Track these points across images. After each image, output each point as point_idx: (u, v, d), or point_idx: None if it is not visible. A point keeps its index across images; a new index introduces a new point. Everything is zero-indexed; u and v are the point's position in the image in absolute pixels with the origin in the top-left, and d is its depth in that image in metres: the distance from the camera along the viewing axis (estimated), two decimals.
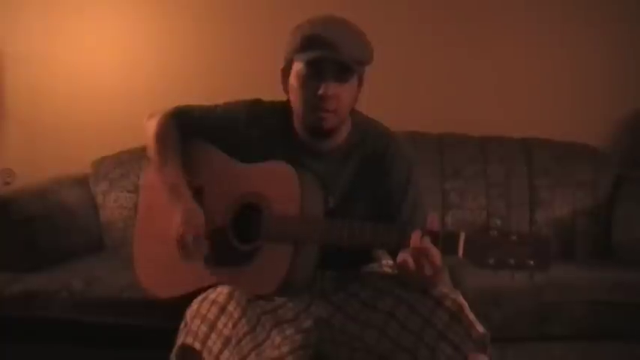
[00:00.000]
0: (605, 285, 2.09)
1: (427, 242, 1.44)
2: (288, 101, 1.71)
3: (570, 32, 2.78)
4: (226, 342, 1.53)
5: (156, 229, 1.81)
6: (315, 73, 1.59)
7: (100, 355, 2.13)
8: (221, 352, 1.52)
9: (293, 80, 1.64)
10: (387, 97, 2.68)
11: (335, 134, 1.68)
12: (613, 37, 2.77)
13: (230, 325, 1.55)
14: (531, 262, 1.37)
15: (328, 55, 1.57)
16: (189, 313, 1.58)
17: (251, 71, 2.74)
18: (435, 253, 1.44)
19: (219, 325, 1.54)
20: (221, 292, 1.62)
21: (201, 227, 1.67)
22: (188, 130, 1.80)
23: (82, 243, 2.56)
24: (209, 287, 1.66)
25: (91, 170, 2.75)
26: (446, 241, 1.44)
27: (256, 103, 1.78)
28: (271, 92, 1.77)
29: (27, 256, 2.31)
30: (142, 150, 2.32)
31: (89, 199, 2.68)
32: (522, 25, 2.80)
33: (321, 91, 1.58)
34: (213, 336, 1.52)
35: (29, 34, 2.93)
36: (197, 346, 1.50)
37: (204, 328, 1.53)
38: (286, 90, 1.70)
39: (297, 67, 1.62)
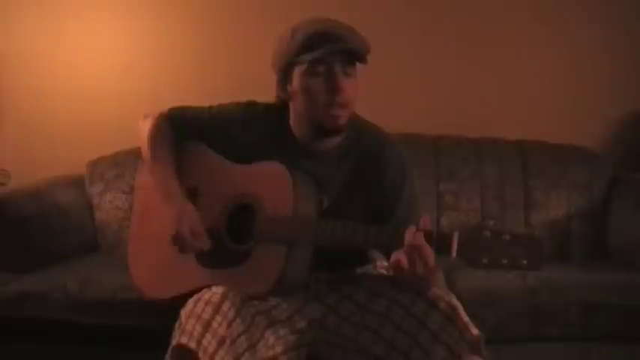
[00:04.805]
0: (600, 286, 2.09)
1: (421, 239, 1.43)
2: (283, 103, 1.71)
3: (565, 33, 2.79)
4: (221, 342, 1.53)
5: (151, 230, 1.81)
6: (327, 69, 1.58)
7: (94, 356, 2.12)
8: (216, 351, 1.52)
9: (299, 83, 1.62)
10: (382, 98, 2.68)
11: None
12: (607, 39, 2.77)
13: (225, 324, 1.55)
14: (524, 262, 1.37)
15: (339, 47, 1.56)
16: (184, 313, 1.59)
17: (247, 73, 2.73)
18: (429, 252, 1.43)
19: (214, 324, 1.54)
20: (215, 292, 1.62)
21: (197, 223, 1.66)
22: (182, 131, 1.80)
23: (77, 244, 2.55)
24: (203, 288, 1.66)
25: (87, 171, 2.74)
26: (439, 241, 1.44)
27: (251, 105, 1.78)
28: (267, 94, 1.77)
29: (21, 257, 2.30)
30: (138, 151, 2.31)
31: (84, 200, 2.67)
32: (517, 26, 2.80)
33: (336, 85, 1.57)
34: (208, 336, 1.53)
35: (25, 34, 2.93)
36: (192, 345, 1.51)
37: (198, 328, 1.53)
38: (280, 96, 1.69)
39: (303, 68, 1.60)
